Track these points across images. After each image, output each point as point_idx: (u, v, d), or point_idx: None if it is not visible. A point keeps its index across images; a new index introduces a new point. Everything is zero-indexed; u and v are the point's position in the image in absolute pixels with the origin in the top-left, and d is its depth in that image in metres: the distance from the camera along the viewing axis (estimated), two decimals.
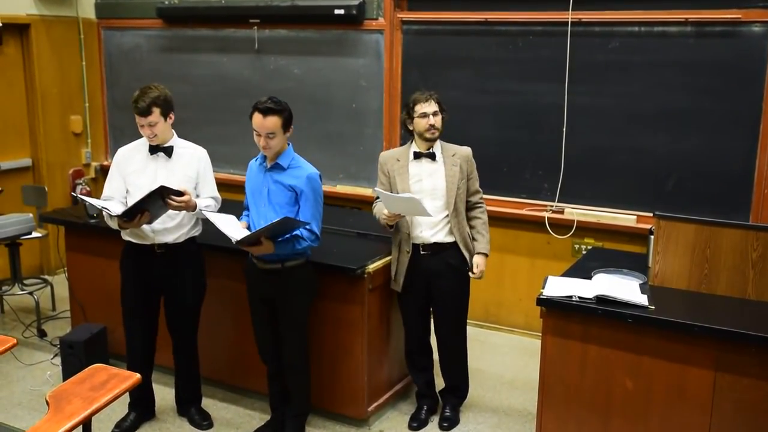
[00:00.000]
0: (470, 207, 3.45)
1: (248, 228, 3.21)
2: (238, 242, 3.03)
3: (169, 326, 3.52)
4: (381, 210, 3.34)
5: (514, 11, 4.42)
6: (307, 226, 3.10)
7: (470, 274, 3.43)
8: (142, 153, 3.32)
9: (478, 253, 3.42)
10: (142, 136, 3.32)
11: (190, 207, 3.21)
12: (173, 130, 3.35)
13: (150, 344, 3.51)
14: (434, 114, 3.30)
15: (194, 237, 3.42)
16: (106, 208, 3.17)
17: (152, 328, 3.49)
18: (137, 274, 3.38)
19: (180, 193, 3.13)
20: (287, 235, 3.08)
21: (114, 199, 3.32)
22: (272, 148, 3.09)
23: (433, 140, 3.35)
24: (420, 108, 3.29)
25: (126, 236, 3.36)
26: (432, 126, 3.29)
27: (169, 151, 3.30)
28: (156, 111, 3.18)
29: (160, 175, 3.26)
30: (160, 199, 3.09)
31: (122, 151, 3.38)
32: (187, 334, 3.53)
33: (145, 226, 3.22)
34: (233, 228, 3.12)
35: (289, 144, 3.18)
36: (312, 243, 3.15)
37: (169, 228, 3.30)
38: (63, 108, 5.75)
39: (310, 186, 3.13)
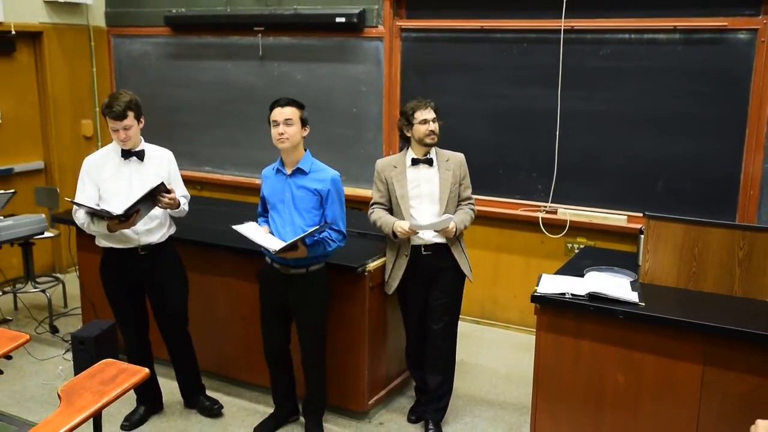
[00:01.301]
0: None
1: (270, 233, 3.24)
2: (277, 252, 3.05)
3: (163, 327, 3.53)
4: (389, 221, 3.33)
5: (509, 19, 4.47)
6: (335, 227, 3.17)
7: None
8: (114, 159, 3.31)
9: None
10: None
11: (176, 204, 3.28)
12: (141, 136, 3.38)
13: (146, 341, 3.57)
14: (433, 120, 3.33)
15: (172, 235, 3.48)
16: (105, 210, 3.17)
17: (145, 326, 3.54)
18: (122, 278, 3.39)
19: (168, 191, 3.21)
20: (316, 237, 3.13)
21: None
22: (289, 137, 3.10)
23: (433, 145, 3.37)
24: (420, 115, 3.31)
25: (105, 242, 3.35)
26: (432, 131, 3.32)
27: (141, 155, 3.32)
28: (131, 115, 3.21)
29: (135, 179, 3.29)
30: (150, 198, 3.15)
31: (92, 159, 3.35)
32: (182, 330, 3.57)
33: (128, 230, 3.25)
34: (266, 238, 3.15)
35: (306, 150, 3.22)
36: (340, 243, 3.21)
37: (151, 228, 3.34)
38: (74, 112, 5.81)
39: (335, 188, 3.18)
